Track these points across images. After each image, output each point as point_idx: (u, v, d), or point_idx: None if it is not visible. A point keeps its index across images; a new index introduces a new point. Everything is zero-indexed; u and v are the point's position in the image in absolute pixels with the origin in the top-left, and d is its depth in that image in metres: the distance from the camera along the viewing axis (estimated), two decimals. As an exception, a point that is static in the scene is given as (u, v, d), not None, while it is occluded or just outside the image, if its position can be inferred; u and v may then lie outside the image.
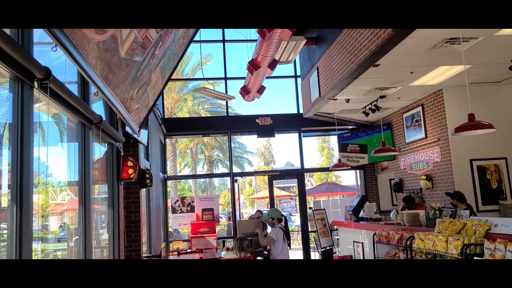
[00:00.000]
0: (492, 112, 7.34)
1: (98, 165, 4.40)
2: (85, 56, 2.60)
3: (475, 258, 3.50)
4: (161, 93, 6.48)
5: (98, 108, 4.46)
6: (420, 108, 8.58)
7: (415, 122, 8.84)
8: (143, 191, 6.86)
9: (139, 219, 6.27)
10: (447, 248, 3.90)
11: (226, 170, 23.51)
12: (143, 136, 6.56)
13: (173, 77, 16.83)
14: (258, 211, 9.35)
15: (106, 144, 4.73)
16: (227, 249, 6.79)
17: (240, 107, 39.90)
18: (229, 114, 14.40)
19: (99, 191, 4.59)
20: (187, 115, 21.76)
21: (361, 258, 6.52)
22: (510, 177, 7.62)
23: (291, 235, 8.74)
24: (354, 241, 6.84)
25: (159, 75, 5.04)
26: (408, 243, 4.62)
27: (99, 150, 4.48)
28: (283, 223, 6.48)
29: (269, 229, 6.74)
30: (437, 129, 8.02)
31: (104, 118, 3.95)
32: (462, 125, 4.70)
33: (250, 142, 42.62)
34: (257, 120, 10.57)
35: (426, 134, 8.41)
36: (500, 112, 7.64)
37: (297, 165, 11.24)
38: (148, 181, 6.29)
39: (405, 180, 9.44)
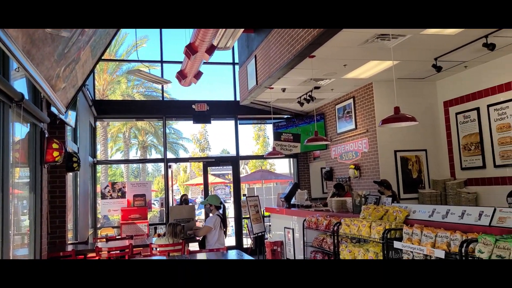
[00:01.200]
0: (415, 107, 7.82)
1: (19, 146, 4.11)
2: (4, 27, 2.39)
3: (395, 241, 3.74)
4: (92, 73, 6.16)
5: (20, 85, 4.14)
6: (351, 100, 8.94)
7: (346, 114, 9.21)
8: (69, 176, 6.52)
9: (64, 205, 5.96)
10: (370, 233, 4.12)
11: (160, 156, 23.03)
12: (71, 118, 6.22)
13: (105, 57, 16.09)
14: (184, 194, 9.28)
15: (29, 124, 4.42)
16: (159, 235, 6.67)
17: (176, 92, 39.02)
18: (165, 99, 14.07)
19: (21, 175, 4.29)
20: (120, 98, 20.94)
21: (291, 243, 6.72)
22: (429, 167, 8.21)
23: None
24: (285, 227, 7.02)
25: (89, 53, 4.77)
26: (335, 228, 4.82)
27: (20, 131, 4.18)
28: (221, 211, 6.48)
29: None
30: (366, 121, 8.41)
31: (26, 97, 3.68)
32: (388, 117, 4.96)
33: (185, 128, 42.02)
34: (193, 106, 10.42)
35: (356, 125, 8.80)
36: (423, 107, 8.17)
37: (232, 152, 11.28)
38: (75, 165, 5.99)
39: (335, 169, 9.83)
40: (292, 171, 11.88)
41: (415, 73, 7.75)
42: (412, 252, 3.64)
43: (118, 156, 26.21)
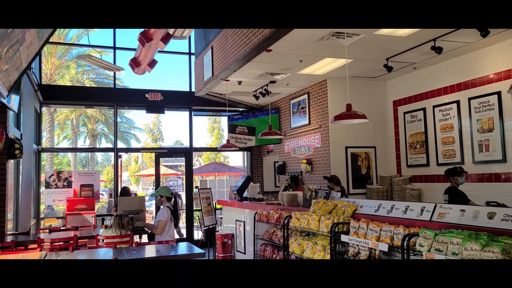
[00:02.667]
0: (367, 105, 8.06)
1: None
2: None
3: (342, 235, 3.84)
4: (38, 55, 5.85)
5: (-44, 64, 3.85)
6: (306, 96, 9.07)
7: (300, 109, 9.33)
8: (11, 163, 6.17)
9: (4, 193, 5.64)
10: (319, 226, 4.21)
11: (110, 145, 22.32)
12: (14, 102, 5.87)
13: (54, 40, 15.34)
14: (125, 187, 9.03)
15: (-35, 107, 4.13)
16: (106, 227, 6.47)
17: (129, 80, 37.87)
18: (117, 86, 13.62)
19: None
20: (69, 84, 20.06)
21: (242, 236, 6.74)
22: (377, 164, 8.50)
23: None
24: (236, 220, 7.03)
25: (35, 35, 4.52)
26: (285, 221, 4.88)
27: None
28: (172, 202, 6.38)
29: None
30: (320, 116, 8.57)
31: (-38, 77, 3.43)
32: (340, 114, 5.07)
33: (138, 117, 40.91)
34: (146, 95, 10.17)
35: (309, 120, 8.94)
36: (373, 105, 8.43)
37: (186, 144, 11.14)
38: (17, 152, 5.67)
39: (288, 163, 9.96)
40: (245, 165, 11.91)
41: (368, 72, 7.97)
42: (358, 245, 3.75)
43: (65, 144, 25.17)
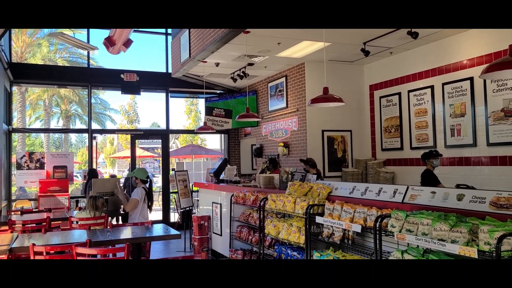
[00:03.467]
0: (344, 88, 8.10)
1: None
2: None
3: (317, 216, 3.90)
4: (7, 32, 5.62)
5: None
6: (284, 79, 9.06)
7: (278, 92, 9.33)
8: (-21, 143, 5.98)
9: (-28, 175, 5.47)
10: (294, 208, 4.26)
11: (84, 127, 21.85)
12: (-19, 80, 5.65)
13: (25, 16, 14.74)
14: (92, 169, 8.92)
15: None
16: (80, 209, 6.38)
17: (104, 59, 37.07)
18: (91, 66, 13.28)
19: None
20: (41, 62, 19.44)
21: (219, 218, 6.76)
22: (353, 147, 8.62)
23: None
24: (213, 202, 7.04)
25: (4, 9, 4.33)
26: (262, 203, 4.92)
27: None
28: (147, 185, 6.33)
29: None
30: (297, 100, 8.59)
31: None
32: (317, 97, 5.09)
33: (113, 98, 40.10)
34: (122, 76, 9.95)
35: (287, 104, 8.95)
36: (350, 89, 8.50)
37: (163, 126, 11.00)
38: (-14, 132, 5.48)
39: (265, 146, 9.98)
40: (223, 147, 11.89)
41: (345, 56, 8.00)
42: (332, 226, 3.82)
43: (38, 125, 24.53)
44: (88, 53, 11.28)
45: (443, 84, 6.92)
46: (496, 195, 2.69)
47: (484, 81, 6.17)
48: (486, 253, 2.33)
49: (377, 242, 3.10)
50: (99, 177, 8.37)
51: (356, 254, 3.79)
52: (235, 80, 9.15)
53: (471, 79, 6.43)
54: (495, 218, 2.52)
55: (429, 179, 5.81)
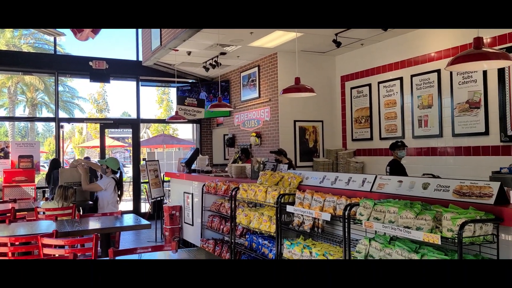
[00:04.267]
0: (316, 79, 8.17)
1: None
2: None
3: (287, 205, 3.94)
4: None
5: None
6: (256, 69, 9.04)
7: (251, 82, 9.31)
8: None
9: None
10: (266, 197, 4.28)
11: (51, 115, 21.21)
12: None
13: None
14: (54, 158, 8.73)
15: None
16: (46, 199, 6.22)
17: (72, 46, 35.85)
18: (58, 53, 12.86)
19: None
20: (4, 48, 18.69)
21: (190, 208, 6.73)
22: (324, 138, 8.72)
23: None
24: (184, 192, 7.00)
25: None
26: (233, 193, 4.92)
27: None
28: (117, 175, 6.23)
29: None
30: (270, 90, 8.60)
31: None
32: (289, 87, 5.11)
33: (82, 86, 39.04)
34: (90, 63, 9.70)
35: (259, 94, 8.95)
36: (322, 80, 8.57)
37: (134, 115, 10.81)
38: None
39: (237, 136, 9.97)
40: (195, 137, 11.81)
41: (317, 47, 8.05)
42: (302, 215, 3.87)
43: (2, 113, 23.65)
44: (55, 39, 10.91)
45: (412, 76, 7.07)
46: (459, 183, 2.78)
47: (451, 73, 6.34)
48: (448, 240, 2.41)
49: (346, 230, 3.16)
50: (68, 167, 8.15)
51: (325, 242, 3.86)
52: (207, 69, 9.07)
53: (438, 71, 6.59)
54: (458, 205, 2.60)
55: (396, 169, 5.96)
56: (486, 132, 5.92)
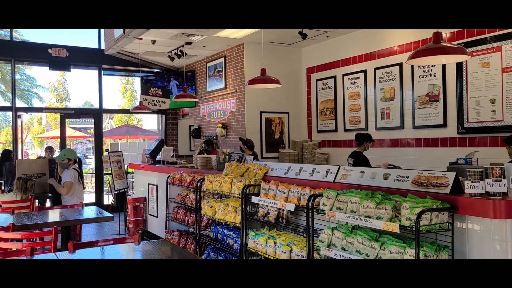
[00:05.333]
0: (282, 71, 8.19)
1: None
2: None
3: (253, 196, 3.95)
4: None
5: None
6: (222, 60, 8.97)
7: (217, 72, 9.23)
8: None
9: None
10: (231, 188, 4.28)
11: (8, 104, 20.32)
12: None
13: None
14: (48, 147, 8.47)
15: None
16: (3, 192, 5.97)
17: (29, 32, 34.28)
18: (14, 39, 12.31)
19: None
20: (-44, 33, 17.66)
21: (155, 199, 6.65)
22: (290, 129, 8.79)
23: (84, 177, 8.27)
24: (149, 183, 6.90)
25: None
26: (198, 184, 4.89)
27: None
28: (77, 165, 6.04)
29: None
30: (236, 81, 8.56)
31: None
32: (255, 78, 5.11)
33: (41, 75, 37.40)
34: (49, 50, 9.34)
35: (226, 84, 8.90)
36: (288, 71, 8.61)
37: (96, 105, 10.51)
38: None
39: (203, 127, 9.90)
40: (160, 128, 11.63)
41: (283, 38, 8.07)
42: (267, 206, 3.89)
43: (-47, 101, 22.42)
44: (11, 24, 10.41)
45: (375, 69, 7.22)
46: (417, 174, 2.87)
47: (412, 67, 6.52)
48: (407, 228, 2.49)
49: (310, 220, 3.21)
50: (26, 158, 7.85)
51: (290, 232, 3.91)
52: (172, 59, 8.92)
53: (400, 64, 6.76)
54: (416, 195, 2.69)
55: (360, 161, 6.06)
56: (445, 124, 6.14)
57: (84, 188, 6.04)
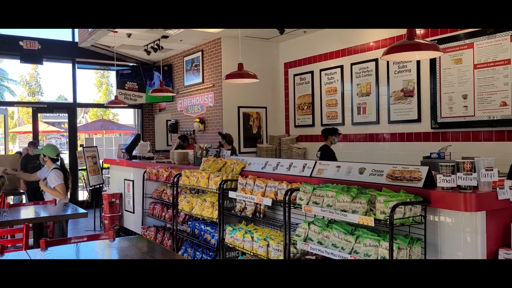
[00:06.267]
0: (259, 65, 8.18)
1: None
2: None
3: (230, 191, 3.94)
4: None
5: None
6: (200, 54, 8.89)
7: (194, 67, 9.15)
8: None
9: None
10: (208, 184, 4.26)
11: (-22, 98, 19.65)
12: None
13: None
14: (32, 142, 8.15)
15: None
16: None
17: None
18: (-16, 30, 11.88)
19: None
20: None
21: (131, 195, 6.56)
22: (268, 124, 8.80)
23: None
24: (125, 179, 6.81)
25: None
26: (175, 180, 4.85)
27: None
28: (58, 163, 5.80)
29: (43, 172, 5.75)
30: (213, 75, 8.50)
31: None
32: (232, 73, 5.08)
33: (12, 68, 36.33)
34: (21, 43, 9.06)
35: (203, 79, 8.83)
36: (266, 66, 8.60)
37: (70, 99, 10.28)
38: None
39: (180, 121, 9.81)
40: (136, 122, 11.47)
41: (261, 33, 8.05)
42: (244, 201, 3.89)
43: None
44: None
45: (352, 65, 7.28)
46: (392, 168, 2.92)
47: (387, 62, 6.60)
48: (381, 222, 2.53)
49: (286, 215, 3.22)
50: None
51: (267, 227, 3.92)
52: (148, 52, 8.79)
53: (376, 60, 6.84)
54: (390, 189, 2.74)
55: (327, 154, 6.09)
56: (419, 120, 6.25)
57: (69, 188, 5.80)
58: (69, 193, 5.78)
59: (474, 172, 2.47)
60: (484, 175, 2.49)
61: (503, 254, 2.39)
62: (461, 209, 2.45)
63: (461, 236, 2.51)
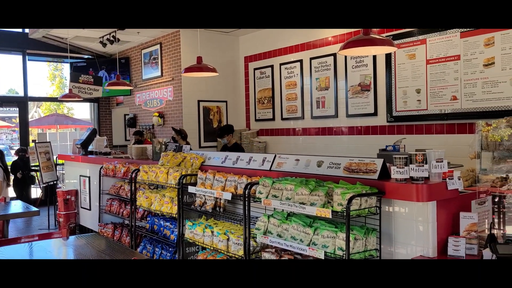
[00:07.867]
0: (220, 59, 8.12)
1: None
2: None
3: (189, 186, 3.90)
4: None
5: None
6: (158, 47, 8.71)
7: (152, 60, 8.96)
8: None
9: None
10: (167, 179, 4.19)
11: None
12: None
13: None
14: None
15: None
16: None
17: None
18: None
19: None
20: None
21: (87, 191, 6.36)
22: (228, 118, 8.76)
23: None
24: (81, 175, 6.59)
25: None
26: (133, 175, 4.74)
27: None
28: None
29: None
30: (172, 69, 8.36)
31: None
32: (191, 66, 5.01)
33: (-42, 59, 34.28)
34: (-35, 32, 8.54)
35: (162, 72, 8.67)
36: (226, 60, 8.55)
37: (21, 92, 9.81)
38: None
39: (139, 116, 9.60)
40: (93, 117, 11.11)
41: (221, 26, 7.97)
42: (204, 195, 3.86)
43: None
44: None
45: (311, 59, 7.37)
46: (349, 161, 2.98)
47: (345, 57, 6.73)
48: (338, 213, 2.58)
49: (246, 209, 3.23)
50: None
51: (227, 221, 3.91)
52: (104, 44, 8.51)
53: (334, 55, 6.95)
54: (347, 181, 2.80)
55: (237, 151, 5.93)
56: (375, 113, 6.42)
57: (8, 185, 5.58)
58: (8, 191, 5.57)
59: (426, 163, 2.56)
60: (434, 167, 2.58)
61: (452, 241, 2.50)
62: (413, 200, 2.54)
63: (414, 225, 2.61)
